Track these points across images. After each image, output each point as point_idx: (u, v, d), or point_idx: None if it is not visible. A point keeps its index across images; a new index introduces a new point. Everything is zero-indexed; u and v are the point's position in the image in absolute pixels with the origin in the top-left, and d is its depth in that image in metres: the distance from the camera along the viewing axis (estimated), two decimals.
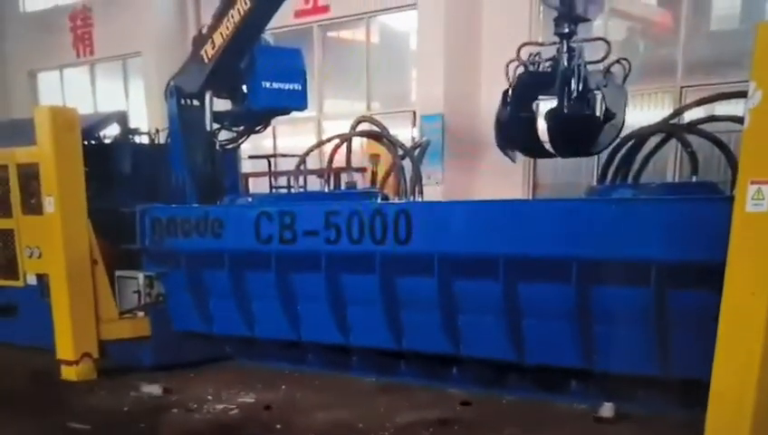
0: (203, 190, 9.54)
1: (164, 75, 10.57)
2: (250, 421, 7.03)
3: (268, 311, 8.25)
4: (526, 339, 6.83)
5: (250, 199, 9.02)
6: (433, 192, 11.52)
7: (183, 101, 9.61)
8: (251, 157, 12.41)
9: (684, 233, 5.89)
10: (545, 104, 8.19)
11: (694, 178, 7.33)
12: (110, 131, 10.75)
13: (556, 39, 8.03)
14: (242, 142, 10.44)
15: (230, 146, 10.36)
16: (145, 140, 10.92)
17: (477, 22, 13.95)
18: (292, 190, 10.03)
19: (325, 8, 16.36)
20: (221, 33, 9.15)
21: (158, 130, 10.89)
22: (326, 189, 8.86)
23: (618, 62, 8.11)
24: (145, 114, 17.95)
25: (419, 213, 7.13)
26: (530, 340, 6.82)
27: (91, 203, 8.63)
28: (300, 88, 9.78)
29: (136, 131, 10.93)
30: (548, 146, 8.38)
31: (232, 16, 8.99)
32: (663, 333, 6.16)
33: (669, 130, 7.73)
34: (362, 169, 10.27)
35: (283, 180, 11.04)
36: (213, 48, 9.28)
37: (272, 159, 11.96)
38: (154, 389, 7.97)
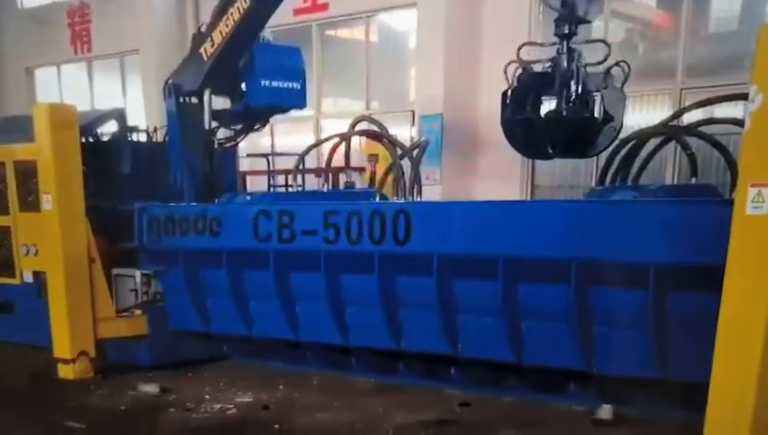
0: (201, 189, 9.53)
1: (162, 73, 10.56)
2: (248, 421, 7.03)
3: (266, 310, 8.25)
4: (525, 340, 6.83)
5: (248, 198, 9.01)
6: (431, 192, 11.51)
7: (181, 99, 9.59)
8: (249, 155, 12.41)
9: (683, 235, 5.89)
10: (545, 105, 8.18)
11: (693, 181, 7.36)
12: (108, 129, 10.73)
13: (556, 40, 8.05)
14: (240, 141, 10.42)
15: (228, 144, 10.34)
16: (143, 137, 10.90)
17: (477, 22, 13.95)
18: (290, 189, 10.02)
19: (324, 6, 16.35)
20: (220, 32, 9.15)
21: (156, 128, 10.89)
22: (324, 189, 8.85)
23: (617, 64, 8.14)
24: (143, 112, 17.92)
25: (419, 213, 7.12)
26: (529, 341, 6.82)
27: (88, 201, 8.60)
28: (299, 87, 9.78)
29: (134, 129, 10.90)
30: (547, 146, 8.41)
31: (231, 14, 8.99)
32: (662, 335, 6.17)
33: (669, 132, 7.74)
34: (361, 169, 10.28)
35: (281, 179, 11.05)
36: (212, 46, 9.27)
37: (270, 158, 11.96)
38: (151, 388, 7.95)
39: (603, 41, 8.47)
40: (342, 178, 9.12)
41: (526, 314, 6.76)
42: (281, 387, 8.07)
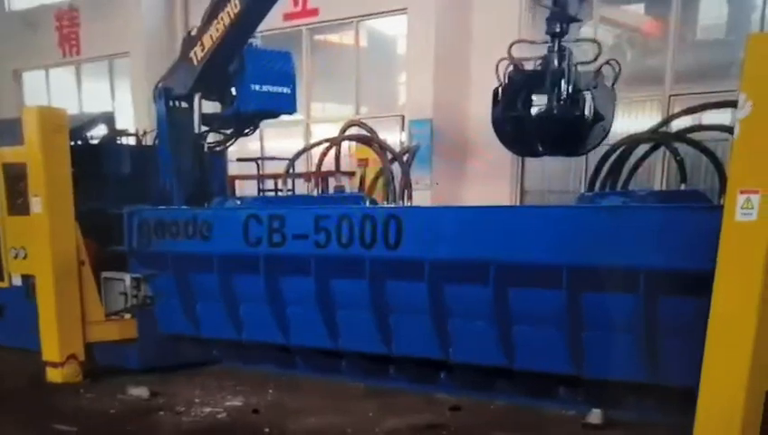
0: (191, 192, 9.52)
1: (152, 76, 10.53)
2: (238, 425, 7.02)
3: (256, 314, 8.24)
4: (516, 345, 6.85)
5: (239, 202, 9.00)
6: (421, 197, 11.53)
7: (171, 103, 9.58)
8: (239, 159, 12.40)
9: (673, 241, 5.92)
10: (536, 103, 8.18)
11: (683, 186, 7.39)
12: (98, 132, 10.71)
13: (547, 38, 8.06)
14: (230, 145, 10.42)
15: (218, 148, 10.33)
16: (132, 141, 10.88)
17: (467, 27, 13.97)
18: (280, 193, 10.02)
19: (314, 11, 16.34)
20: (210, 36, 9.15)
21: (145, 132, 10.87)
22: (315, 193, 8.85)
23: (608, 63, 8.15)
24: (131, 115, 17.88)
25: (409, 218, 7.12)
26: (519, 346, 6.84)
27: (78, 204, 8.58)
28: (289, 91, 9.79)
29: (123, 133, 10.89)
30: (537, 145, 8.38)
31: (222, 19, 8.98)
32: (652, 340, 6.19)
33: (658, 138, 7.77)
34: (351, 174, 10.28)
35: (270, 183, 11.04)
36: (202, 50, 9.26)
37: (259, 162, 11.95)
38: (141, 391, 7.94)
39: (594, 40, 8.50)
40: (332, 183, 9.11)
41: (517, 319, 6.78)
42: (271, 391, 8.06)
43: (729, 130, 6.38)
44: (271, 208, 8.08)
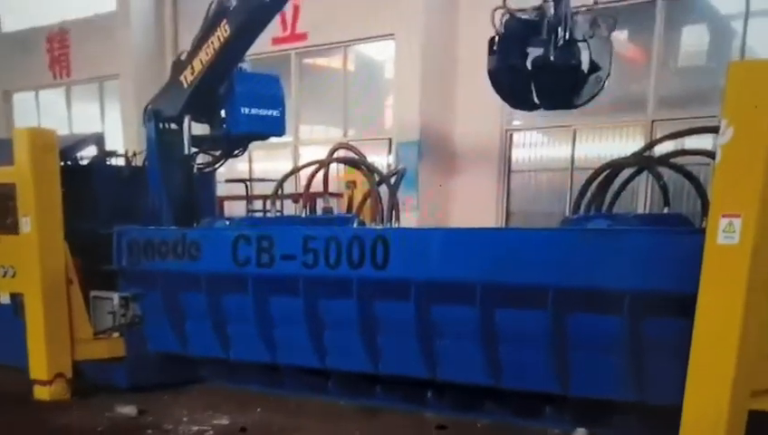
0: (180, 213, 9.50)
1: (142, 98, 10.54)
2: None
3: (244, 333, 8.21)
4: (502, 364, 6.85)
5: (228, 223, 9.01)
6: (408, 218, 11.55)
7: (161, 125, 9.58)
8: (228, 181, 12.41)
9: (657, 263, 5.95)
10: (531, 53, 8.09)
11: (666, 210, 7.43)
12: (88, 153, 10.70)
13: None
14: (219, 166, 10.42)
15: (207, 170, 10.33)
16: (122, 162, 10.87)
17: (453, 52, 14.05)
18: (269, 214, 10.02)
19: (303, 36, 16.40)
20: (201, 60, 9.17)
21: (135, 153, 10.85)
22: (303, 214, 8.86)
23: (604, 13, 8.10)
24: (121, 137, 17.86)
25: (397, 239, 7.13)
26: (506, 365, 6.83)
27: (67, 223, 8.57)
28: (278, 114, 9.81)
29: (113, 154, 10.88)
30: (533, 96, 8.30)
31: (212, 43, 9.02)
32: (637, 360, 6.21)
33: (642, 162, 7.81)
34: (339, 195, 10.29)
35: (258, 204, 11.04)
36: (192, 73, 9.29)
37: (248, 183, 11.96)
38: (129, 410, 7.89)
39: None
40: (320, 204, 9.12)
41: (503, 339, 6.78)
42: (258, 410, 8.02)
43: (711, 155, 6.41)
44: (259, 229, 8.08)
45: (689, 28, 13.20)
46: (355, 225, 8.17)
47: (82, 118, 21.27)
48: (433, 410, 7.61)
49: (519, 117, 13.90)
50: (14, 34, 22.67)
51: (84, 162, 10.48)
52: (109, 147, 11.19)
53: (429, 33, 14.05)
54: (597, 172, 7.86)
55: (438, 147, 13.74)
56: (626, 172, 7.95)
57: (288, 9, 13.86)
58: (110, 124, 19.93)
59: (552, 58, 7.74)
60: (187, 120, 9.57)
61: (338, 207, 10.31)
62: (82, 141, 10.83)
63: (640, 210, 11.57)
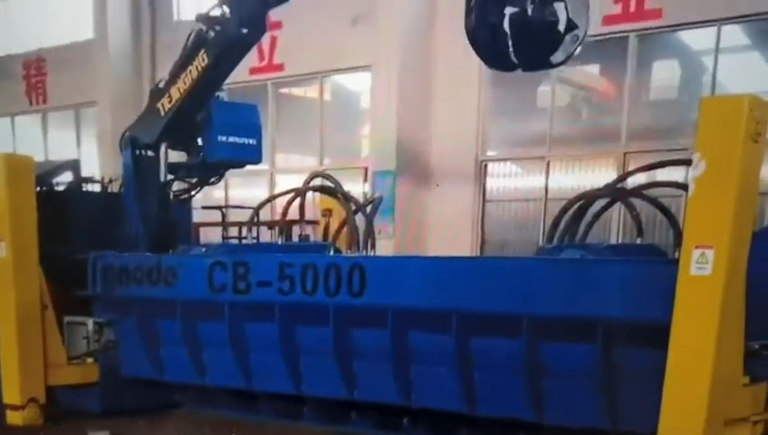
0: (156, 239, 9.43)
1: (118, 125, 10.52)
2: None
3: (220, 359, 8.12)
4: (477, 391, 6.80)
5: (204, 249, 8.97)
6: (384, 246, 11.58)
7: (138, 152, 9.53)
8: (204, 207, 12.37)
9: (631, 293, 5.96)
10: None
11: (639, 240, 7.47)
12: (64, 179, 10.65)
13: None
14: (195, 193, 10.38)
15: (184, 197, 10.29)
16: (98, 188, 10.82)
17: (429, 85, 14.18)
18: (245, 241, 10.00)
19: (280, 66, 16.47)
20: (179, 88, 9.14)
21: (111, 180, 10.81)
22: (279, 241, 8.84)
23: None
24: (96, 163, 17.80)
25: (373, 266, 7.12)
26: (481, 392, 6.79)
27: (43, 249, 8.54)
28: (255, 143, 9.79)
29: (89, 180, 10.85)
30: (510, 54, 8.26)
31: (190, 72, 8.99)
32: (610, 388, 6.20)
33: (615, 194, 7.86)
34: (315, 223, 10.30)
35: (234, 231, 11.01)
36: (170, 102, 9.26)
37: (224, 210, 11.93)
38: None
39: None
40: (297, 231, 9.11)
41: (479, 367, 6.74)
42: None
43: (683, 187, 6.48)
44: (236, 256, 8.05)
45: (660, 63, 13.41)
46: (331, 252, 8.16)
47: (58, 144, 21.19)
48: None
49: (494, 147, 14.01)
50: None
51: (60, 188, 10.43)
52: (85, 173, 11.16)
53: (405, 65, 14.16)
54: (570, 203, 7.89)
55: (414, 176, 13.80)
56: (599, 203, 8.01)
57: (265, 40, 13.89)
58: (85, 151, 19.86)
59: (529, 14, 7.69)
60: (163, 147, 9.52)
61: (314, 234, 10.31)
62: (59, 167, 10.82)
63: (613, 241, 11.64)
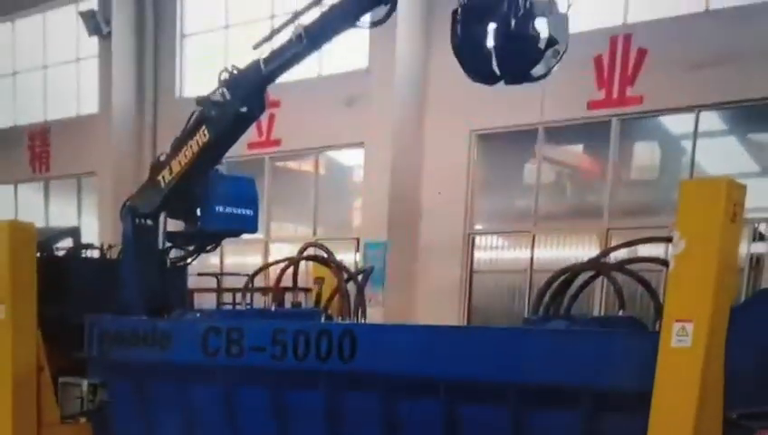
0: (152, 304, 9.40)
1: (118, 195, 10.58)
2: None
3: (212, 422, 8.04)
4: None
5: (198, 315, 8.95)
6: (374, 313, 11.58)
7: (138, 221, 9.56)
8: (200, 274, 12.37)
9: (613, 363, 5.98)
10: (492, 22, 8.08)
11: (621, 313, 7.51)
12: (64, 244, 10.67)
13: None
14: (192, 261, 10.38)
15: (181, 263, 10.29)
16: (96, 254, 10.82)
17: (419, 161, 14.37)
18: (239, 307, 9.98)
19: (277, 142, 16.66)
20: (179, 161, 9.18)
21: (110, 246, 10.83)
22: (272, 308, 8.84)
23: None
24: (96, 231, 17.82)
25: (364, 334, 7.10)
26: None
27: (41, 311, 8.54)
28: (252, 213, 9.81)
29: (88, 246, 10.86)
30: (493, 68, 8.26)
31: (191, 146, 9.04)
32: None
33: (599, 268, 7.91)
34: (308, 290, 10.30)
35: (228, 297, 11.00)
36: (170, 174, 9.28)
37: (218, 277, 11.93)
38: None
39: None
40: (289, 298, 9.13)
41: (466, 433, 6.71)
42: None
43: (663, 262, 6.59)
44: (230, 321, 8.03)
45: (642, 145, 13.61)
46: (323, 319, 8.15)
47: (59, 212, 21.23)
48: None
49: (481, 221, 14.10)
50: None
51: (61, 253, 10.43)
52: (84, 240, 11.17)
53: (396, 143, 14.38)
54: (555, 276, 7.94)
55: (404, 247, 13.88)
56: (583, 276, 8.06)
57: (264, 117, 14.13)
58: (86, 219, 19.90)
59: (511, 30, 7.76)
60: (162, 216, 9.55)
61: (307, 301, 10.31)
62: (60, 234, 10.84)
63: (596, 313, 11.67)
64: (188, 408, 8.23)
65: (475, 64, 8.35)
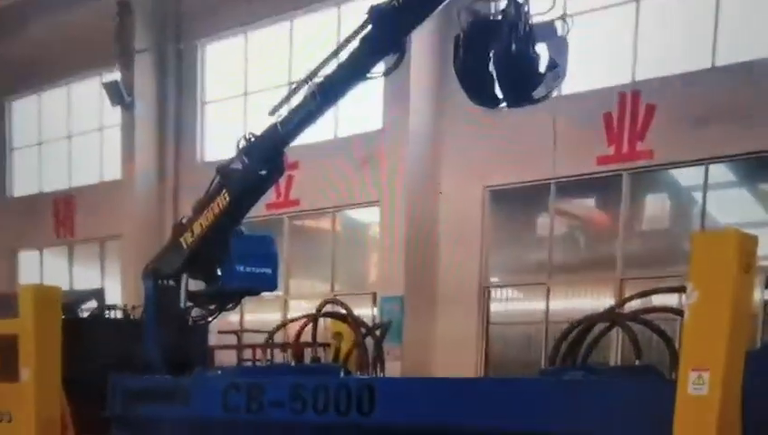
0: (173, 363, 9.38)
1: (141, 257, 10.60)
2: None
3: None
4: None
5: (219, 372, 8.92)
6: (392, 367, 11.52)
7: (160, 282, 9.58)
8: (220, 332, 12.36)
9: (631, 412, 5.91)
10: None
11: (637, 362, 7.41)
12: (88, 305, 10.72)
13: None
14: (213, 320, 10.37)
15: (202, 322, 10.28)
16: (120, 315, 10.85)
17: (434, 216, 14.38)
18: (258, 363, 9.94)
19: (295, 202, 16.75)
20: (200, 224, 9.21)
21: (133, 307, 10.85)
22: (292, 363, 8.80)
23: (562, 18, 8.16)
24: (119, 292, 17.87)
25: (383, 387, 7.04)
26: None
27: (66, 371, 8.55)
28: (271, 272, 9.80)
29: (112, 307, 10.89)
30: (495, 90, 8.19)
31: (212, 209, 9.09)
32: None
33: (614, 318, 7.84)
34: (326, 345, 10.26)
35: (248, 353, 10.96)
36: (192, 236, 9.32)
37: (239, 334, 11.91)
38: None
39: None
40: (308, 354, 9.08)
41: None
42: None
43: (677, 311, 6.57)
44: (250, 377, 8.00)
45: (652, 197, 13.60)
46: (342, 374, 8.10)
47: (83, 274, 21.33)
48: None
49: (496, 274, 14.07)
50: (24, 198, 23.00)
51: (85, 315, 10.47)
52: (108, 301, 11.21)
53: (411, 201, 14.43)
54: (571, 326, 7.87)
55: (420, 301, 13.86)
56: (598, 326, 7.98)
57: (282, 179, 14.28)
58: (108, 280, 19.97)
59: (512, 51, 7.72)
60: (184, 277, 9.58)
61: (325, 356, 10.25)
62: (85, 296, 10.90)
63: (612, 362, 11.55)
64: None
65: (477, 88, 8.38)
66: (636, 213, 13.35)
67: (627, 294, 10.15)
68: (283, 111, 8.60)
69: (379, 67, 8.23)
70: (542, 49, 7.87)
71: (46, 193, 22.39)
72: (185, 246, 9.41)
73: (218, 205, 9.01)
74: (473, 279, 14.09)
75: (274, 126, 8.60)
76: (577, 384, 6.47)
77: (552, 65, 7.98)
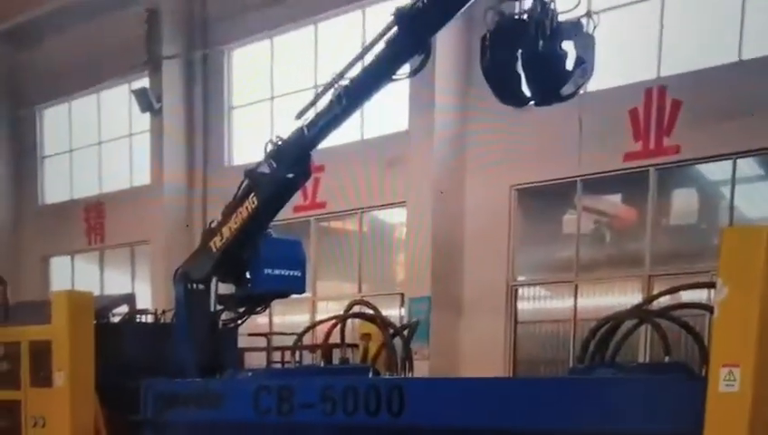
0: (204, 366, 9.43)
1: (170, 261, 10.68)
2: None
3: None
4: None
5: (250, 374, 8.94)
6: (420, 367, 11.49)
7: (190, 286, 9.64)
8: (250, 334, 12.41)
9: (662, 409, 5.87)
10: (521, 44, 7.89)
11: (666, 359, 7.34)
12: (120, 310, 10.80)
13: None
14: (243, 322, 10.42)
15: (232, 325, 10.33)
16: (151, 319, 10.92)
17: (461, 217, 14.35)
18: (288, 365, 9.97)
19: (322, 204, 16.78)
20: (230, 228, 9.26)
21: (164, 311, 10.92)
22: (321, 364, 8.80)
23: (588, 15, 8.12)
24: (149, 296, 17.99)
25: (412, 388, 7.05)
26: None
27: (98, 376, 8.64)
28: (299, 274, 9.84)
29: (143, 312, 10.98)
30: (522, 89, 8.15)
31: (240, 213, 9.13)
32: None
33: (643, 315, 7.77)
34: (354, 346, 10.27)
35: (277, 355, 10.99)
36: (221, 240, 9.37)
37: (268, 336, 11.94)
38: None
39: None
40: (337, 355, 9.07)
41: None
42: None
43: (707, 308, 6.51)
44: (280, 379, 8.01)
45: (680, 192, 13.47)
46: (371, 374, 8.10)
47: (114, 279, 21.49)
48: None
49: (523, 273, 14.02)
50: (55, 205, 23.21)
51: (116, 319, 10.55)
52: (139, 306, 11.29)
53: (438, 200, 14.35)
54: (599, 324, 7.80)
55: (448, 301, 13.83)
56: (627, 324, 7.91)
57: (309, 182, 14.34)
58: (139, 285, 20.11)
59: (540, 49, 7.66)
60: (214, 281, 9.63)
61: (354, 357, 10.26)
62: (116, 301, 10.98)
63: (641, 359, 11.46)
64: None
65: (505, 87, 8.34)
66: (663, 209, 13.23)
67: (655, 291, 10.04)
68: (310, 115, 8.63)
69: (405, 68, 8.23)
70: (568, 46, 7.88)
71: (77, 200, 22.58)
72: (214, 250, 9.46)
73: (247, 208, 9.05)
74: (500, 278, 14.04)
75: (301, 129, 8.62)
76: (607, 382, 6.43)
77: (580, 62, 7.94)
